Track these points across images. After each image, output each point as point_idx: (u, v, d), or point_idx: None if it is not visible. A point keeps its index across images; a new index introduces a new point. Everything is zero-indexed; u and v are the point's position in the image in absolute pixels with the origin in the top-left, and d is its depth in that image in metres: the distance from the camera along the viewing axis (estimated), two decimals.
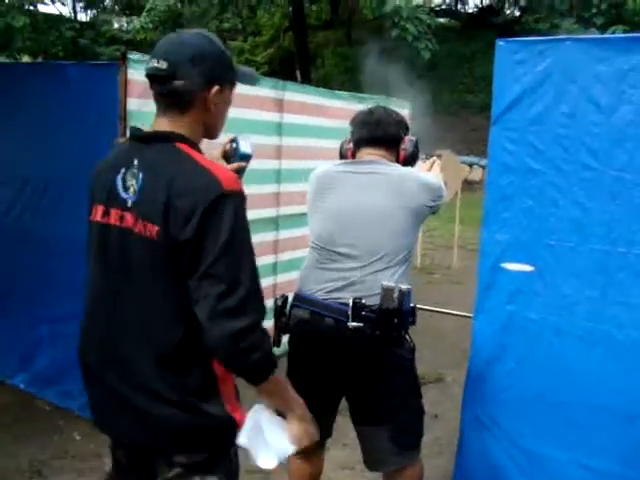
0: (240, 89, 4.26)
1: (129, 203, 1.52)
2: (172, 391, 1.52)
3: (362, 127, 2.44)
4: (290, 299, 2.39)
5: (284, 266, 4.64)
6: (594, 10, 18.29)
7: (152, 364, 1.52)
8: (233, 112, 4.16)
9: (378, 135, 2.42)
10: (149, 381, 1.53)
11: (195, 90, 1.55)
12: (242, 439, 1.55)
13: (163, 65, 1.52)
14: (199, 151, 1.57)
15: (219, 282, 1.42)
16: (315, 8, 25.45)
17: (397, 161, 2.46)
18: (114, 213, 1.55)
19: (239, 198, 1.49)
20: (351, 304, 2.15)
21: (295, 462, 2.50)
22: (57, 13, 24.46)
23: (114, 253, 1.57)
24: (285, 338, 2.41)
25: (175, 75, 1.52)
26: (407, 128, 2.53)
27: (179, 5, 15.86)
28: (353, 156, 2.48)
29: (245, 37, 25.02)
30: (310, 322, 2.27)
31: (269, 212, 4.55)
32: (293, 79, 17.97)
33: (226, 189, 1.45)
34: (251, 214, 5.03)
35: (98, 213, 1.60)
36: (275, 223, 4.62)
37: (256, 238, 4.96)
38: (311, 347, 2.30)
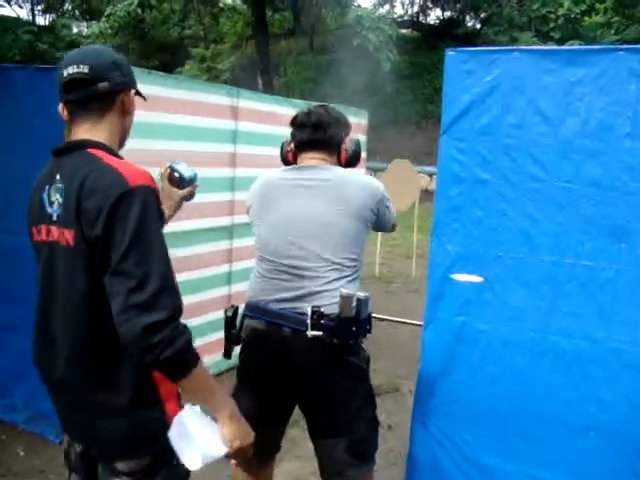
0: (195, 96, 4.21)
1: (54, 217, 1.56)
2: (109, 398, 1.54)
3: (301, 129, 2.37)
4: (241, 310, 2.34)
5: (239, 275, 4.57)
6: (552, 24, 18.69)
7: (87, 372, 1.56)
8: (187, 120, 4.13)
9: (318, 137, 2.35)
10: (87, 389, 1.56)
11: (116, 92, 1.62)
12: (169, 436, 1.54)
13: (85, 69, 1.57)
14: (113, 154, 1.60)
15: (129, 277, 1.42)
16: (278, 16, 25.49)
17: (339, 162, 2.40)
18: (44, 229, 1.59)
19: (147, 192, 1.49)
20: (310, 313, 2.11)
21: (241, 477, 2.44)
22: (14, 16, 24.05)
23: (47, 268, 1.60)
24: (236, 350, 2.36)
25: (98, 77, 1.58)
26: (348, 127, 2.46)
27: (139, 11, 15.69)
28: (294, 158, 2.43)
29: (207, 44, 24.86)
30: (266, 332, 2.23)
31: (223, 221, 4.50)
32: (255, 87, 17.92)
33: (131, 185, 1.47)
34: (205, 222, 4.93)
35: (34, 232, 1.65)
36: (229, 232, 4.57)
37: (210, 247, 4.88)
38: (266, 357, 2.25)
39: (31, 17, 26.48)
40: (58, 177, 1.56)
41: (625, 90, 2.30)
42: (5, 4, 22.99)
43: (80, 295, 1.52)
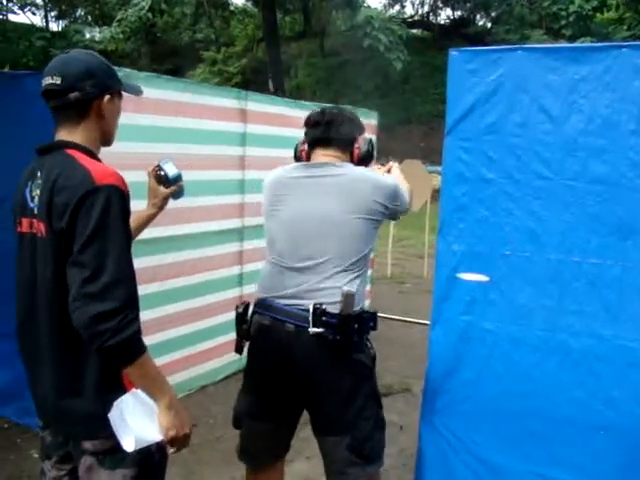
0: (203, 100, 4.22)
1: (35, 211, 1.67)
2: (76, 380, 1.65)
3: (315, 128, 2.39)
4: (251, 307, 2.36)
5: (250, 277, 4.60)
6: (563, 22, 18.60)
7: (58, 356, 1.67)
8: (196, 123, 4.14)
9: (331, 135, 2.36)
10: (57, 372, 1.68)
11: (89, 100, 1.71)
12: (109, 417, 1.61)
13: (57, 80, 1.67)
14: (91, 154, 1.69)
15: (85, 268, 1.52)
16: (288, 19, 25.57)
17: (352, 160, 2.41)
18: (26, 222, 1.71)
19: (112, 191, 1.58)
20: (311, 310, 2.12)
21: (251, 477, 2.45)
22: (28, 23, 24.31)
23: (27, 258, 1.71)
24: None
25: (70, 88, 1.67)
26: (361, 127, 2.47)
27: (150, 16, 15.79)
28: (308, 157, 2.43)
29: (218, 48, 24.99)
30: (271, 328, 2.24)
31: (234, 223, 4.52)
32: (266, 89, 17.98)
33: (98, 183, 1.57)
34: (215, 225, 4.91)
35: (17, 224, 1.75)
36: (240, 234, 4.59)
37: (221, 249, 4.86)
38: (271, 353, 2.26)
39: (44, 23, 26.77)
40: (39, 174, 1.67)
41: (629, 87, 2.29)
42: (19, 11, 23.22)
43: (51, 283, 1.63)
